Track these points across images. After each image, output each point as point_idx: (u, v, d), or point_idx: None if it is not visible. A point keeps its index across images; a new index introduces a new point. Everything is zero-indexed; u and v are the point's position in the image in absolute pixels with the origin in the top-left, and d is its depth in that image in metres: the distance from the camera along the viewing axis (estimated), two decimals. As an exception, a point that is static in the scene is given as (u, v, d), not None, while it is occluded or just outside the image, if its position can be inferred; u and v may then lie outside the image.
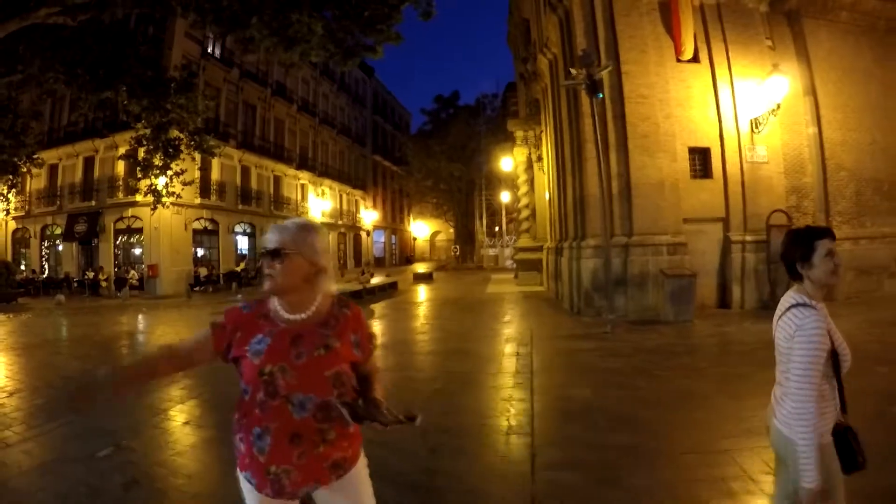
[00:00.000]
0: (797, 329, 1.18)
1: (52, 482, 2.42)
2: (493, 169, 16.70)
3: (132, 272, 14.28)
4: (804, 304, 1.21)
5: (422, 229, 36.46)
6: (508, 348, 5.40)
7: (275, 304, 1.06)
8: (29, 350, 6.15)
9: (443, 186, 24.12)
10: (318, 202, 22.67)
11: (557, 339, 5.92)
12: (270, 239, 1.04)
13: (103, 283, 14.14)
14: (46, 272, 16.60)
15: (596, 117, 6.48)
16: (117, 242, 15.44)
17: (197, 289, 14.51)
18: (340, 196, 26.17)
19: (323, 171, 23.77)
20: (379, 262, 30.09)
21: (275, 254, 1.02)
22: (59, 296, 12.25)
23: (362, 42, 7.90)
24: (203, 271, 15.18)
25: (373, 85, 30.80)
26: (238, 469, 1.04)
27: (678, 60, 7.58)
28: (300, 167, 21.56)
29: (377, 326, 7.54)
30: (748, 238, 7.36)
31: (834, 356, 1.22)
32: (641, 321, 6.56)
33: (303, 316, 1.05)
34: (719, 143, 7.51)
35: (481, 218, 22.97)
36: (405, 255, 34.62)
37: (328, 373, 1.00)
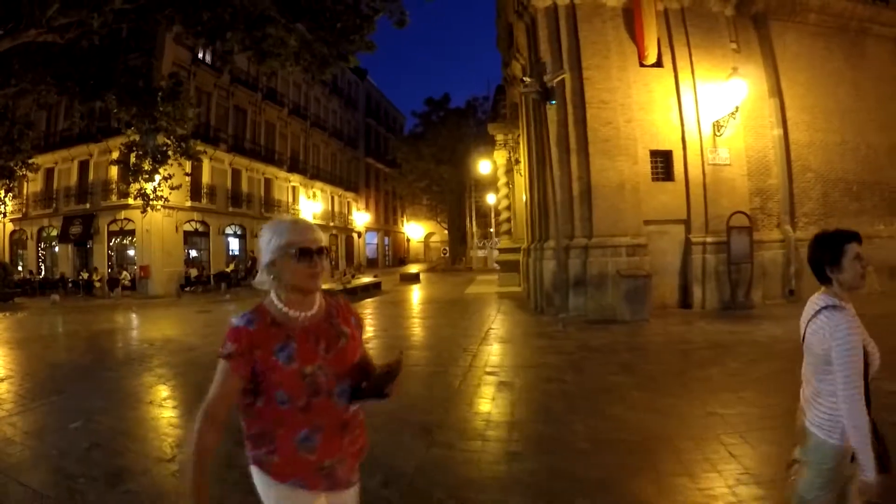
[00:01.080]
0: (832, 333, 1.23)
1: (30, 446, 3.05)
2: (480, 171, 17.39)
3: (124, 273, 15.16)
4: (835, 307, 1.26)
5: (416, 231, 37.23)
6: (461, 345, 5.93)
7: (275, 307, 1.05)
8: (22, 344, 6.88)
9: (435, 188, 24.85)
10: (310, 204, 23.59)
11: (511, 337, 6.44)
12: (313, 238, 1.05)
13: (97, 284, 15.01)
14: (43, 273, 17.55)
15: (549, 123, 7.00)
16: (111, 244, 16.36)
17: (187, 289, 15.33)
18: (332, 198, 27.09)
19: (314, 173, 24.64)
20: (372, 264, 31.00)
21: (322, 252, 1.05)
22: (53, 296, 13.13)
23: (336, 52, 8.48)
24: (193, 272, 16.03)
25: (366, 87, 31.79)
26: (274, 481, 1.01)
27: (641, 65, 8.03)
28: (291, 170, 22.44)
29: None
30: (709, 239, 7.78)
31: (863, 355, 1.25)
32: (599, 320, 7.04)
33: (312, 312, 1.07)
34: (681, 145, 7.95)
35: (472, 219, 23.55)
36: (398, 257, 35.54)
37: (354, 360, 1.07)
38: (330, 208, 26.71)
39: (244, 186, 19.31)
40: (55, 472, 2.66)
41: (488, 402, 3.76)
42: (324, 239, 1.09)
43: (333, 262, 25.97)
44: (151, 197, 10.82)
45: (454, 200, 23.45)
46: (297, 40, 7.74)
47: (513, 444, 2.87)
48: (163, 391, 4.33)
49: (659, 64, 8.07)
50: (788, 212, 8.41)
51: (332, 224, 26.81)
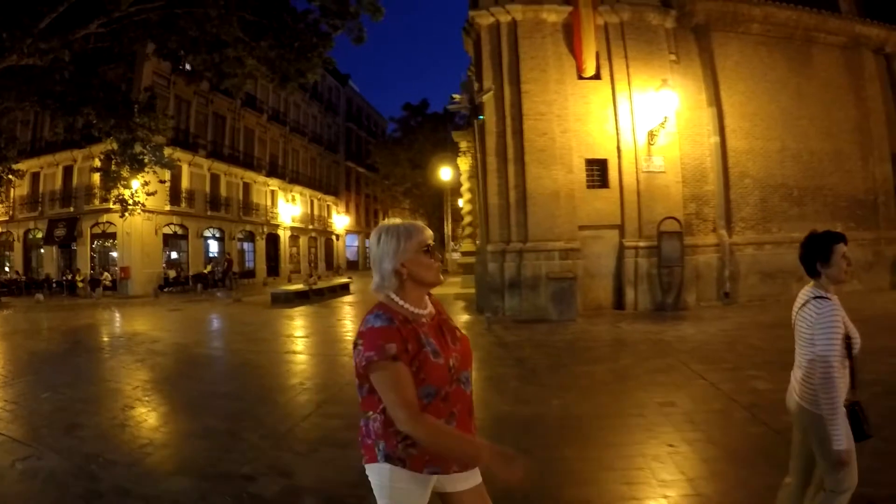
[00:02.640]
0: (817, 318, 1.50)
1: (9, 409, 4.29)
2: (442, 177, 18.76)
3: (105, 274, 16.71)
4: (822, 297, 1.54)
5: None
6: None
7: (401, 307, 1.15)
8: (6, 337, 8.27)
9: (415, 192, 26.17)
10: (288, 208, 25.26)
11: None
12: (431, 235, 1.20)
13: (80, 284, 16.55)
14: (29, 273, 19.21)
15: (487, 134, 8.06)
16: (93, 246, 17.99)
17: (166, 290, 16.82)
18: (311, 202, 28.89)
19: (293, 177, 26.37)
20: (352, 266, 33.08)
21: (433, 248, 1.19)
22: (38, 295, 14.71)
23: (295, 69, 9.68)
24: (172, 273, 17.54)
25: (347, 92, 33.89)
26: (412, 473, 1.11)
27: (580, 77, 9.05)
28: (270, 174, 24.16)
29: (297, 323, 9.32)
30: (641, 244, 8.76)
31: (847, 340, 1.51)
32: (529, 320, 8.08)
33: (430, 309, 1.20)
34: (617, 154, 8.95)
35: (448, 223, 24.73)
36: None
37: (470, 347, 1.24)
38: (309, 211, 28.48)
39: (223, 191, 20.97)
40: (25, 425, 3.88)
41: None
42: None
43: (313, 264, 27.48)
44: (129, 202, 12.20)
45: (433, 204, 24.71)
46: (259, 59, 8.96)
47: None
48: (121, 372, 5.55)
49: (597, 76, 9.08)
50: (724, 217, 9.34)
51: (311, 227, 28.57)
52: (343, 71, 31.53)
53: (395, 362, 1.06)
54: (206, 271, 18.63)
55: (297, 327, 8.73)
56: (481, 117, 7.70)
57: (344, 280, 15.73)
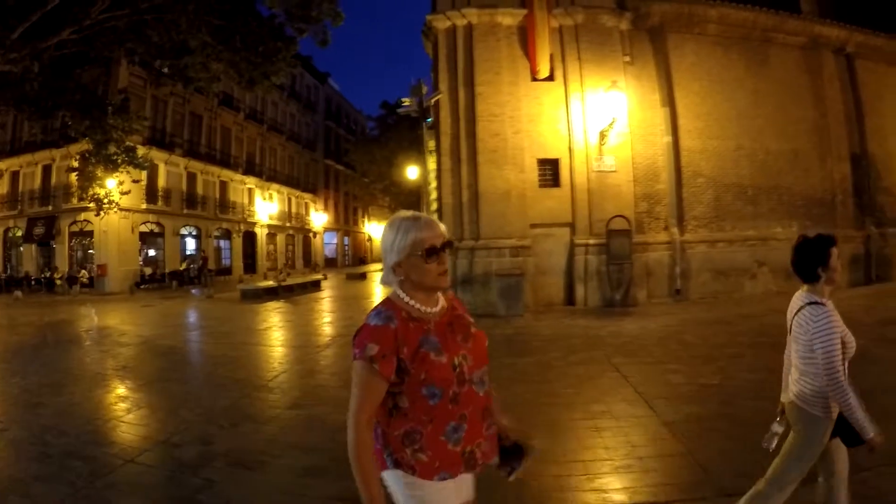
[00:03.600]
0: (815, 325, 1.61)
1: (-17, 390, 5.14)
2: (409, 176, 19.72)
3: (82, 272, 17.73)
4: (817, 303, 1.65)
5: (379, 230, 39.83)
6: (340, 333, 7.85)
7: (406, 303, 1.17)
8: (-16, 332, 9.12)
9: (394, 189, 27.06)
10: (266, 205, 26.49)
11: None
12: (438, 234, 1.16)
13: (58, 282, 17.55)
14: (8, 271, 20.25)
15: (441, 135, 8.79)
16: (72, 244, 19.06)
17: (143, 287, 17.82)
18: (289, 199, 30.11)
19: (271, 175, 27.55)
20: (331, 263, 34.39)
21: (448, 246, 1.18)
22: (16, 292, 15.71)
23: (262, 71, 10.46)
24: (148, 270, 18.54)
25: (326, 91, 35.18)
26: (421, 480, 1.13)
27: (534, 79, 9.75)
28: (247, 172, 25.32)
29: (260, 317, 10.18)
30: (591, 241, 9.51)
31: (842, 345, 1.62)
32: (480, 315, 8.79)
33: (440, 306, 1.22)
34: (568, 154, 9.68)
35: None
36: (358, 256, 39.48)
37: (486, 344, 1.28)
38: (287, 209, 29.66)
39: (199, 189, 22.03)
40: (-5, 405, 4.72)
41: (313, 375, 5.53)
42: (447, 232, 1.19)
43: (289, 262, 28.45)
44: (105, 201, 13.08)
45: (411, 202, 25.56)
46: (225, 62, 9.75)
47: (307, 400, 4.56)
48: (86, 362, 6.43)
49: (551, 78, 9.78)
50: (676, 215, 10.05)
51: (288, 224, 29.74)
52: (323, 69, 32.85)
53: (371, 364, 1.09)
54: (181, 268, 19.63)
55: (258, 321, 9.59)
56: (429, 120, 8.45)
57: (316, 277, 16.68)
